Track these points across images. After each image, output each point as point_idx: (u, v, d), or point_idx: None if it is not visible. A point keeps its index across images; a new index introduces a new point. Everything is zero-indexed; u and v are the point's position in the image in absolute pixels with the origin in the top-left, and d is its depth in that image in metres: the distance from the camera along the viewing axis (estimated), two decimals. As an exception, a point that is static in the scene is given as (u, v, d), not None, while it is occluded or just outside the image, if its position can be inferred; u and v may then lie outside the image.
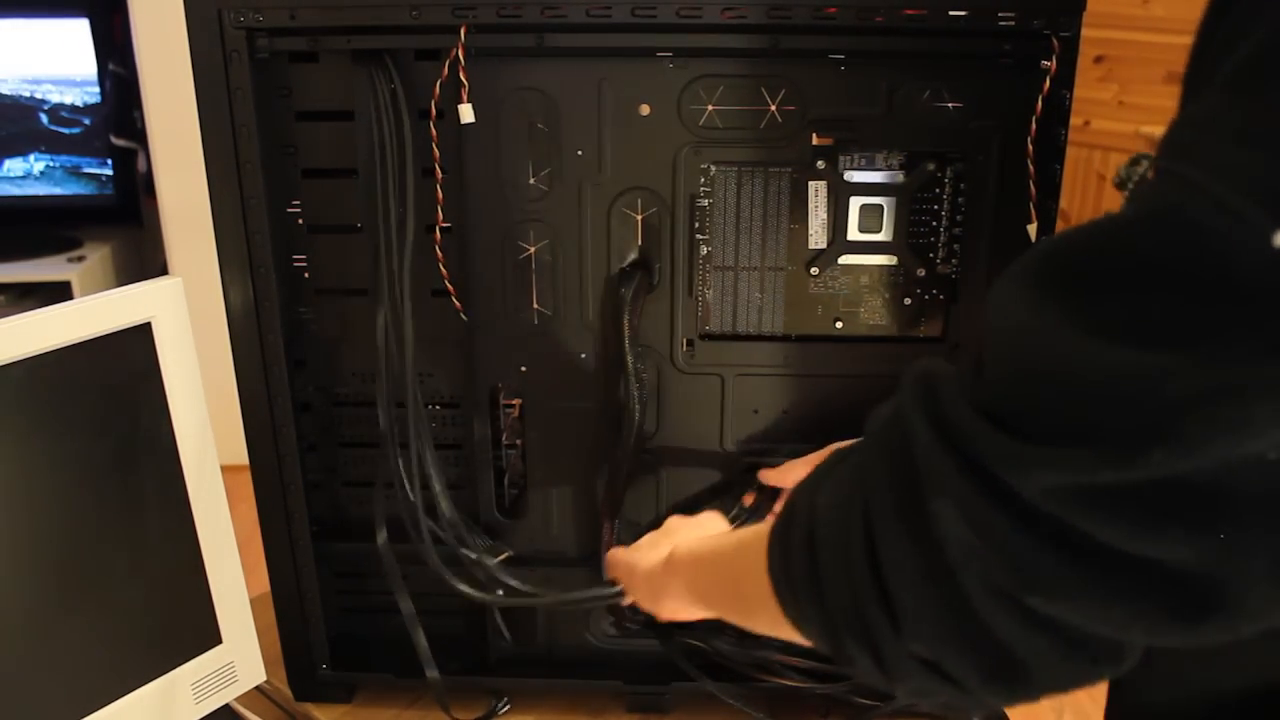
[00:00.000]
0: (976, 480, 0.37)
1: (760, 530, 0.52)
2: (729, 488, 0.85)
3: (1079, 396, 0.34)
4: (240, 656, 0.82)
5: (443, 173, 0.78)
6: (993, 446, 0.37)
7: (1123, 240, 0.34)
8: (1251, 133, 0.32)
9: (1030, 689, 0.41)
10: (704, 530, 0.72)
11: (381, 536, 0.85)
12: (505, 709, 0.92)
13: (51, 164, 2.56)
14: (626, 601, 0.75)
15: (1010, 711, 0.87)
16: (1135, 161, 0.37)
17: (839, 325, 0.82)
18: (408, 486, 0.81)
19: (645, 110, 0.77)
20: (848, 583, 0.43)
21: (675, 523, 0.75)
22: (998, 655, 0.40)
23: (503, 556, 0.86)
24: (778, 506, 0.78)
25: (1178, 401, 0.32)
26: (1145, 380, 0.33)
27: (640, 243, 0.80)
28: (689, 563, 0.66)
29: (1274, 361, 0.31)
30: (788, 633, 0.50)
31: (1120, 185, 0.37)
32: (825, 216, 0.79)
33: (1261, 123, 0.32)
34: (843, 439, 0.79)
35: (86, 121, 2.53)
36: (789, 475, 0.77)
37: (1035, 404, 0.36)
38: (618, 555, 0.75)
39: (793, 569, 0.47)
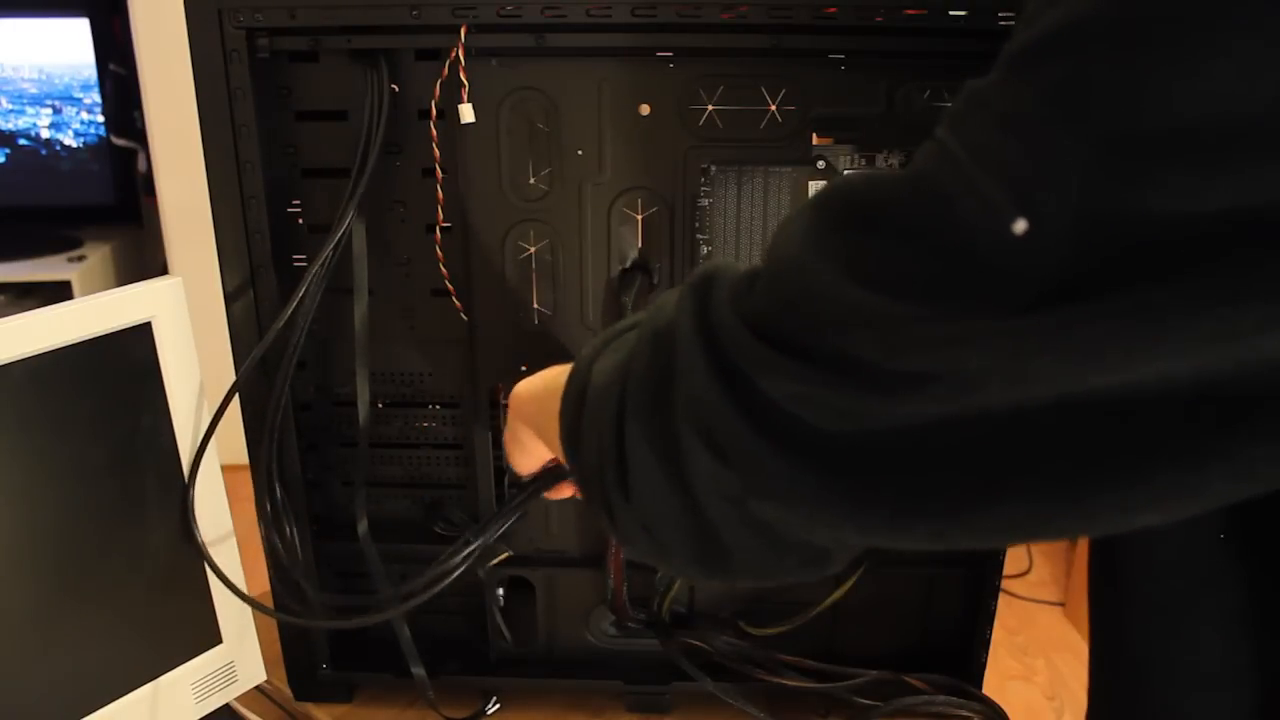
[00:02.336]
0: (721, 378, 0.40)
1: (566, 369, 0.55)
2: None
3: (827, 327, 0.37)
4: (240, 656, 0.82)
5: (443, 173, 0.78)
6: (746, 349, 0.39)
7: (891, 196, 0.36)
8: (1011, 118, 0.32)
9: (730, 574, 0.45)
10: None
11: (362, 527, 0.85)
12: (495, 708, 0.92)
13: (52, 164, 2.56)
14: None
15: (1011, 711, 0.87)
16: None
17: (839, 325, 0.81)
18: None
19: (645, 110, 0.77)
20: (597, 449, 0.46)
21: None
22: (707, 540, 0.44)
23: (502, 557, 0.87)
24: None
25: (906, 348, 0.34)
26: (883, 325, 0.35)
27: (640, 243, 0.80)
28: (522, 401, 0.67)
29: (998, 329, 0.33)
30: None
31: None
32: (825, 216, 0.79)
33: (1021, 110, 0.32)
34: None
35: (86, 121, 2.53)
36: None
37: (791, 325, 0.38)
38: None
39: (565, 418, 0.51)
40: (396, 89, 0.76)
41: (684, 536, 0.44)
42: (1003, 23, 0.71)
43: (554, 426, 0.53)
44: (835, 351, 0.36)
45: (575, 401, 0.50)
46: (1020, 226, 0.31)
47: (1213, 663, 0.50)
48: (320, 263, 0.76)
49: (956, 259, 0.33)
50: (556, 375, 0.60)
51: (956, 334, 0.33)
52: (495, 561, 0.87)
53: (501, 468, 0.87)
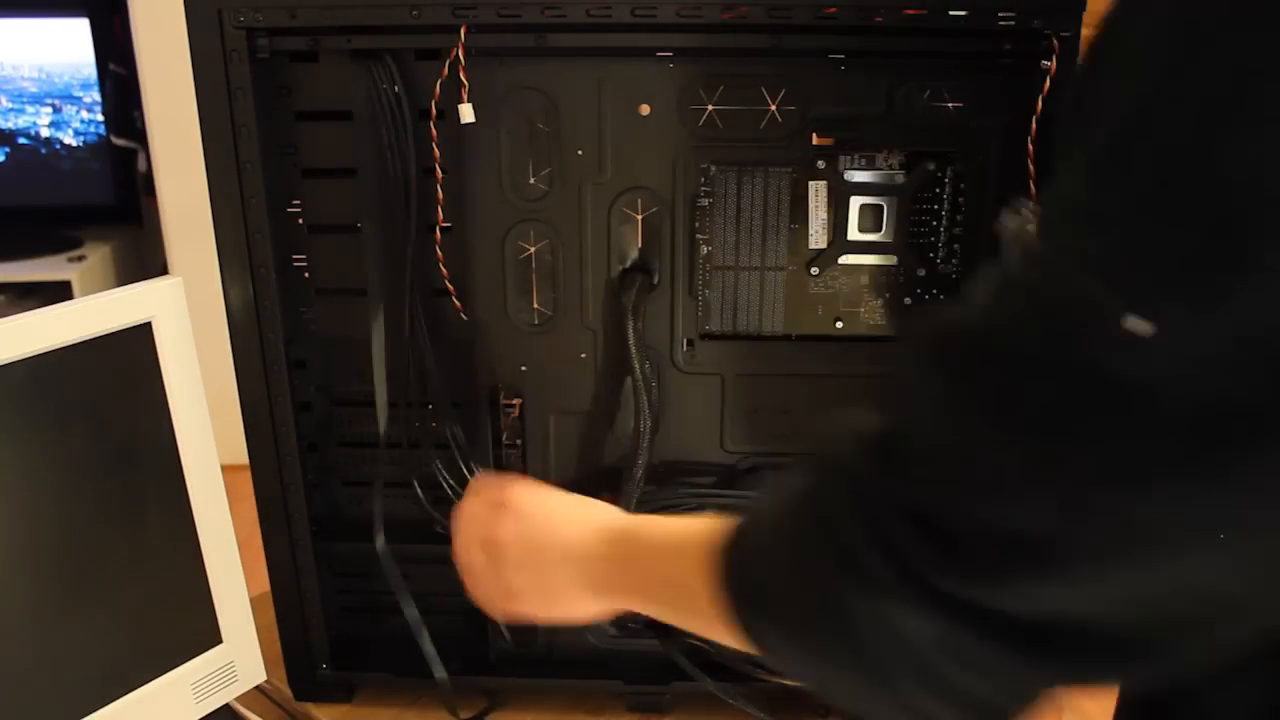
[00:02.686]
0: (909, 585, 0.38)
1: (696, 539, 0.53)
2: (728, 488, 0.85)
3: (993, 496, 0.35)
4: (240, 656, 0.82)
5: (443, 173, 0.78)
6: (922, 556, 0.38)
7: (998, 328, 0.35)
8: (1106, 220, 0.32)
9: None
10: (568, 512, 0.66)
11: (380, 542, 0.85)
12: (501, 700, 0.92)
13: (52, 164, 2.56)
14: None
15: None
16: (1017, 208, 0.38)
17: (839, 325, 0.82)
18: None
19: (645, 110, 0.77)
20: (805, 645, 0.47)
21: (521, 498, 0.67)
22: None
23: None
24: None
25: (1070, 498, 0.33)
26: (1048, 476, 0.34)
27: (640, 243, 0.80)
28: (618, 551, 0.61)
29: (1150, 451, 0.32)
30: (722, 636, 0.52)
31: (1005, 234, 0.39)
32: (825, 216, 0.79)
33: (1113, 210, 0.32)
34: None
35: (86, 121, 2.53)
36: None
37: (950, 505, 0.37)
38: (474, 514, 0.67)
39: (743, 605, 0.49)
40: (386, 87, 0.76)
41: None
42: (1002, 23, 0.71)
43: (693, 587, 0.52)
44: (994, 527, 0.35)
45: (759, 610, 0.49)
46: (1139, 326, 0.30)
47: None
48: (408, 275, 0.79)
49: (1083, 376, 0.32)
50: (647, 527, 0.60)
51: (1106, 470, 0.32)
52: None
53: (501, 468, 0.87)
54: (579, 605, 0.63)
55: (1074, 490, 0.33)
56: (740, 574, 0.49)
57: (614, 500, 0.82)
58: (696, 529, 0.54)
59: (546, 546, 0.63)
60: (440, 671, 0.86)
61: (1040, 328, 0.34)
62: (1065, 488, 0.34)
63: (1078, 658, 0.37)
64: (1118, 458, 0.32)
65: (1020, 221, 0.37)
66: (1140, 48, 0.32)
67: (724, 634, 0.51)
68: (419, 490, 0.86)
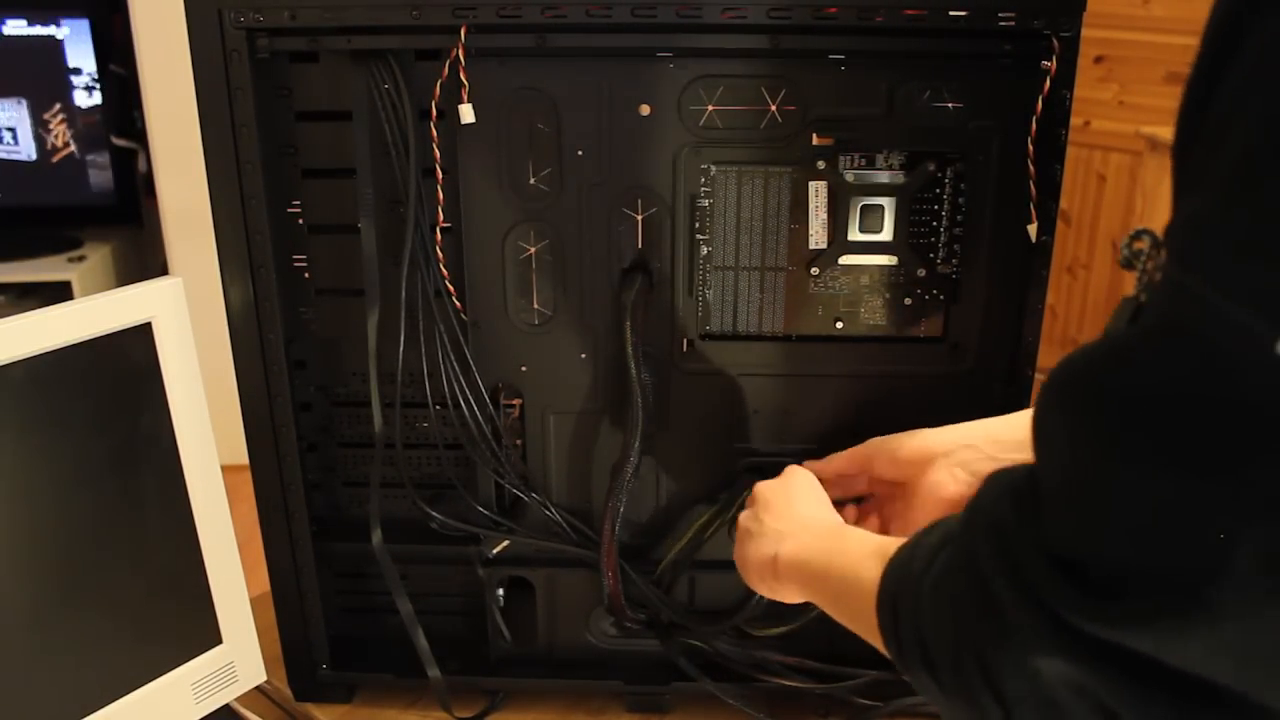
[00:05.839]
0: (1058, 631, 0.38)
1: (860, 572, 0.55)
2: (729, 487, 0.85)
3: (1133, 534, 0.35)
4: (240, 656, 0.82)
5: (443, 173, 0.78)
6: (1068, 601, 0.38)
7: (1141, 363, 0.35)
8: (1248, 241, 0.32)
9: None
10: (799, 504, 0.72)
11: (376, 537, 0.85)
12: (502, 700, 0.92)
13: (52, 164, 2.56)
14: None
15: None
16: (1136, 237, 0.37)
17: (839, 325, 0.82)
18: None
19: (645, 110, 0.77)
20: (962, 687, 0.46)
21: (767, 494, 0.74)
22: None
23: (502, 545, 0.87)
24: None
25: (1228, 532, 0.33)
26: (1190, 510, 0.33)
27: (640, 243, 0.80)
28: (796, 573, 0.67)
29: None
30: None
31: (1126, 265, 0.38)
32: (825, 216, 0.79)
33: (1257, 230, 0.31)
34: (842, 440, 0.79)
35: (86, 122, 2.53)
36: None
37: (1096, 547, 0.37)
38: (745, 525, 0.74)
39: (906, 653, 0.50)
40: (388, 88, 0.76)
41: None
42: (1002, 23, 0.71)
43: (860, 618, 0.54)
44: (1146, 568, 0.35)
45: (916, 644, 0.49)
46: None
47: None
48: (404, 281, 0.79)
49: (1231, 407, 0.32)
50: (828, 551, 0.62)
51: (1266, 502, 0.32)
52: (497, 549, 0.87)
53: (499, 471, 0.87)
54: (786, 594, 0.69)
55: (1224, 525, 0.33)
56: (896, 626, 0.51)
57: (609, 497, 0.82)
58: (871, 564, 0.55)
59: (761, 551, 0.70)
60: (434, 669, 0.86)
61: (1184, 360, 0.33)
62: (1214, 523, 0.33)
63: (1212, 704, 0.37)
64: (1271, 490, 0.32)
65: (1139, 249, 0.36)
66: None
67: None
68: (417, 490, 0.86)
